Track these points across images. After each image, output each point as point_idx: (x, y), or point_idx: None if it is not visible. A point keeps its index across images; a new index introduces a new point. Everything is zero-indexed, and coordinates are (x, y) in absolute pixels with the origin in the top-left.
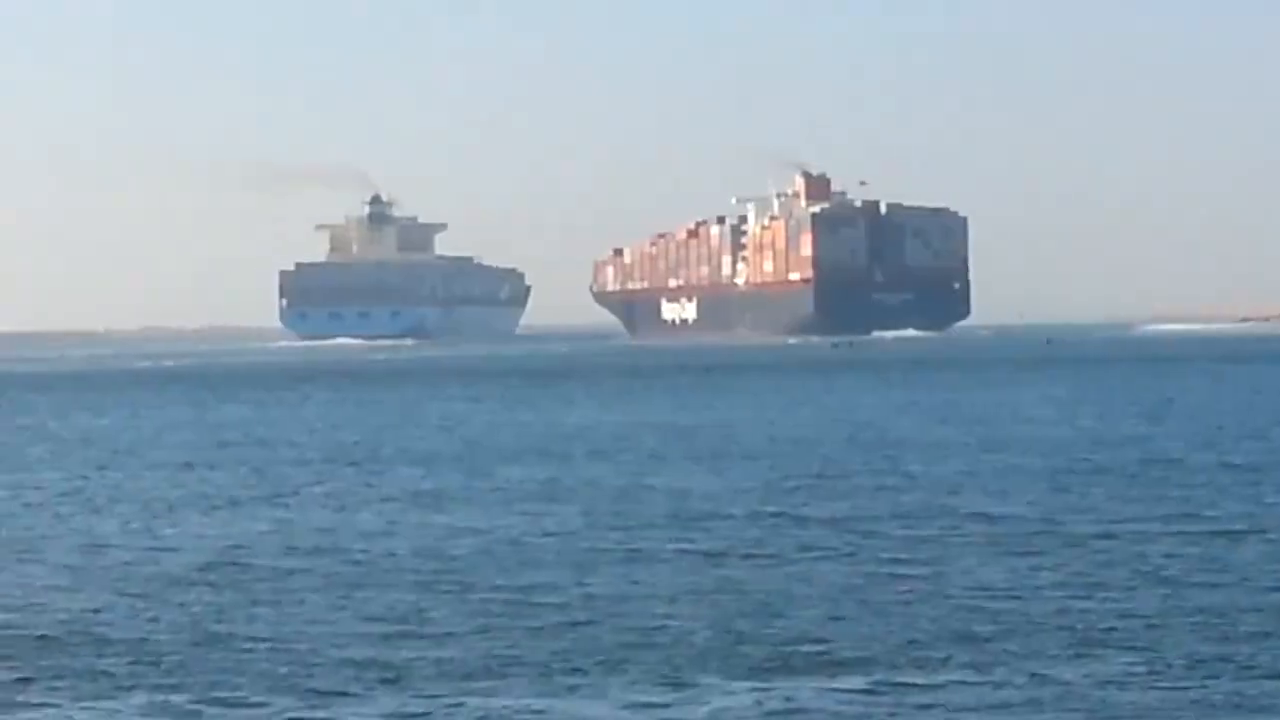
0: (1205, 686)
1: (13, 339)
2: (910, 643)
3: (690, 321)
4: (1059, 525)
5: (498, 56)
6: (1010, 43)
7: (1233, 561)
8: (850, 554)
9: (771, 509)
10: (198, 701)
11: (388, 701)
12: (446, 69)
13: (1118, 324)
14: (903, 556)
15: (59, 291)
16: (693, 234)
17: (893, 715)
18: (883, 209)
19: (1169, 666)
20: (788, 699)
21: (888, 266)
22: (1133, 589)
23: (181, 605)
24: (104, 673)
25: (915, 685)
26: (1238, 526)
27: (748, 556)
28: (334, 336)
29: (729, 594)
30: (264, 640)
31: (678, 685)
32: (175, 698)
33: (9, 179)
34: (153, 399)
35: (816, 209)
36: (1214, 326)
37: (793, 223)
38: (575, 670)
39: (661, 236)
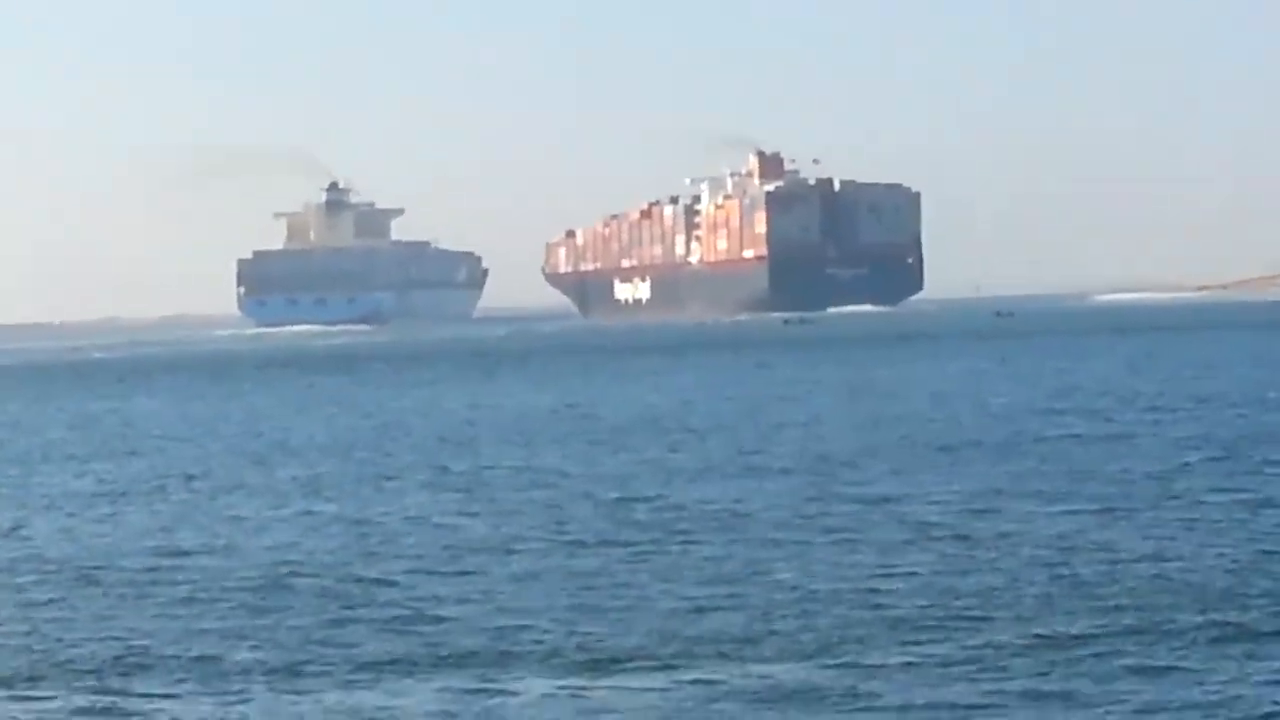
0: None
1: None
2: (738, 638)
3: (644, 301)
4: (894, 505)
5: (450, 40)
6: (960, 16)
7: (1081, 541)
8: (701, 543)
9: (647, 492)
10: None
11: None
12: (399, 53)
13: (1073, 295)
14: (719, 547)
15: (15, 284)
16: (645, 214)
17: (708, 706)
18: (836, 186)
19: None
20: (602, 696)
21: (841, 243)
22: (958, 571)
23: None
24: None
25: (722, 679)
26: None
27: (606, 544)
28: (291, 324)
29: (575, 587)
30: (92, 638)
31: (490, 686)
32: None
33: None
34: (61, 391)
35: (770, 187)
36: (1169, 295)
37: (747, 201)
38: (396, 665)
39: (615, 217)
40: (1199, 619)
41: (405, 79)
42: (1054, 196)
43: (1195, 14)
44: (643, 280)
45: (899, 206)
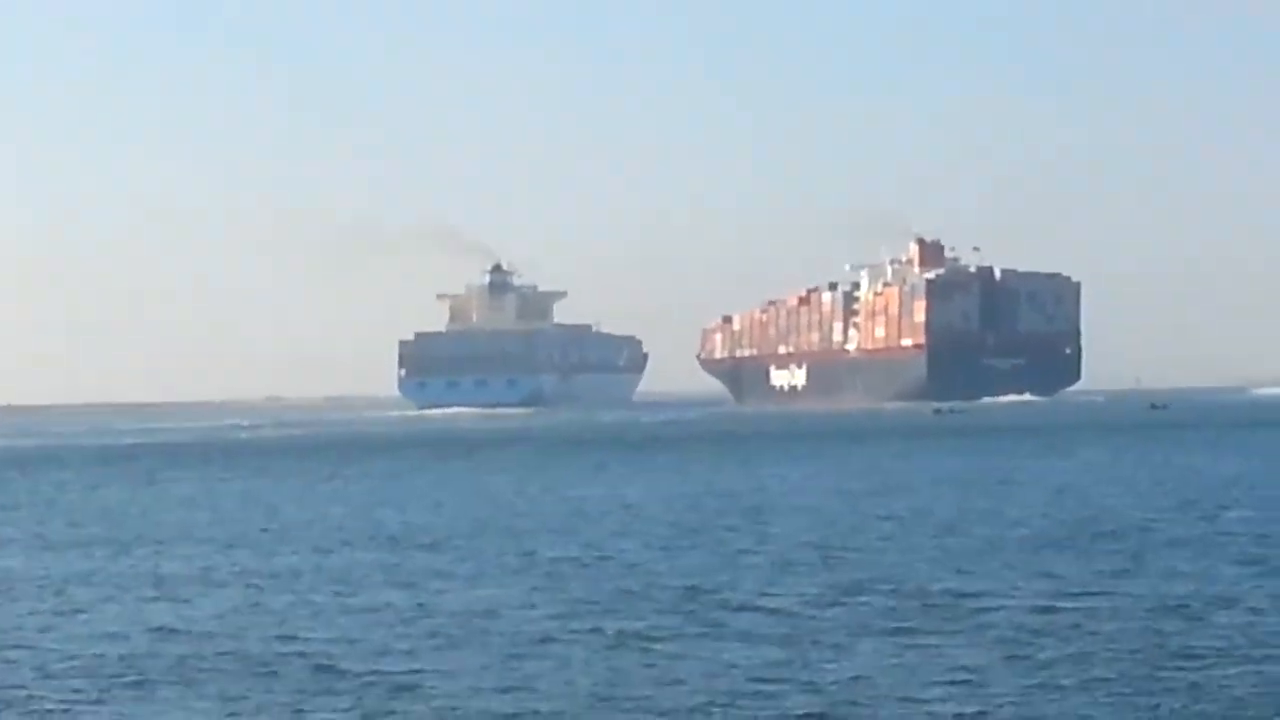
0: None
1: (131, 410)
2: None
3: (799, 388)
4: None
5: (610, 126)
6: (1119, 108)
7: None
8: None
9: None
10: None
11: None
12: (560, 136)
13: (1232, 388)
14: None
15: (180, 363)
16: (804, 300)
17: None
18: (997, 275)
19: None
20: None
21: (1000, 332)
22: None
23: None
24: None
25: None
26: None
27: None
28: (452, 405)
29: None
30: None
31: None
32: None
33: (124, 251)
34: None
35: (931, 275)
36: None
37: (907, 289)
38: None
39: (772, 304)
40: None
41: (567, 162)
42: (1221, 287)
43: None
44: (799, 367)
45: (1059, 296)
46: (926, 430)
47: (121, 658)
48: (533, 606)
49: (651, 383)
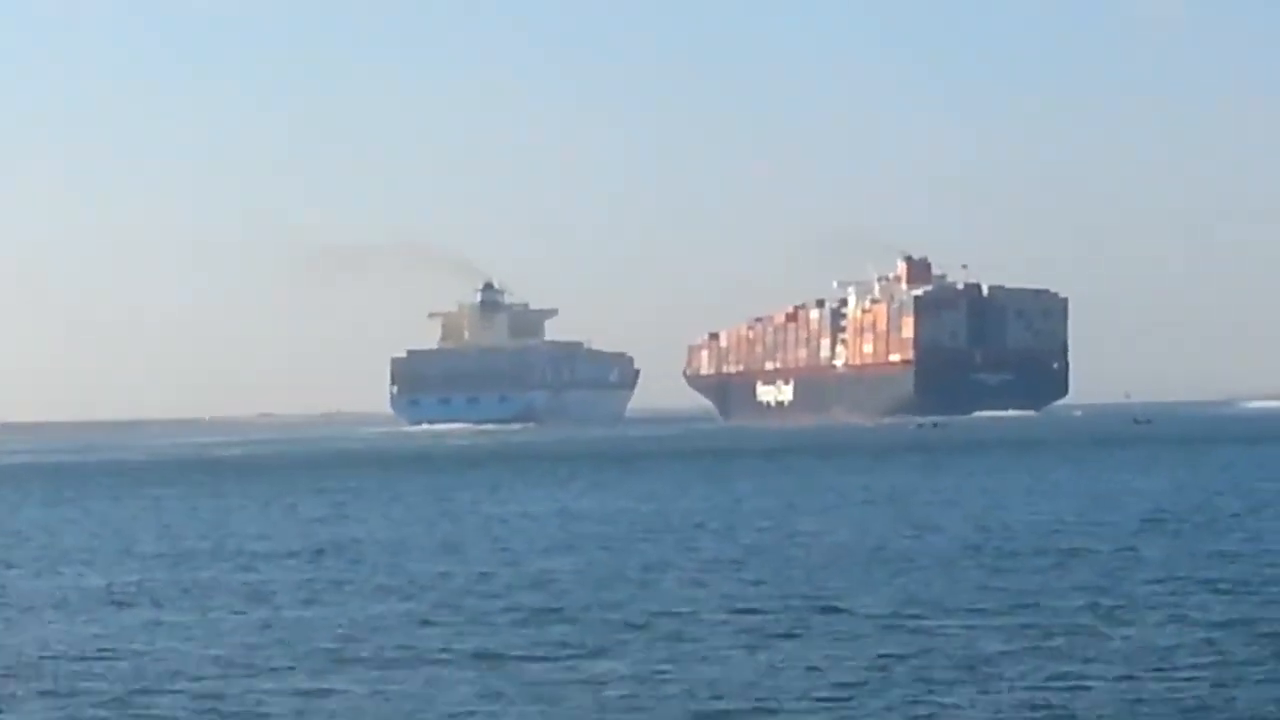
0: None
1: (115, 427)
2: None
3: (787, 404)
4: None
5: (597, 143)
6: (1106, 125)
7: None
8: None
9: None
10: None
11: None
12: (550, 155)
13: (1220, 401)
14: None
15: (168, 379)
16: (791, 317)
17: None
18: (984, 291)
19: None
20: None
21: (988, 348)
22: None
23: None
24: None
25: None
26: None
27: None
28: (443, 422)
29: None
30: None
31: None
32: None
33: (114, 269)
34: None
35: (919, 292)
36: None
37: (894, 305)
38: None
39: (759, 320)
40: None
41: (556, 181)
42: (1209, 302)
43: None
44: (786, 383)
45: (1047, 311)
46: (899, 446)
47: None
48: (388, 625)
49: (644, 399)
